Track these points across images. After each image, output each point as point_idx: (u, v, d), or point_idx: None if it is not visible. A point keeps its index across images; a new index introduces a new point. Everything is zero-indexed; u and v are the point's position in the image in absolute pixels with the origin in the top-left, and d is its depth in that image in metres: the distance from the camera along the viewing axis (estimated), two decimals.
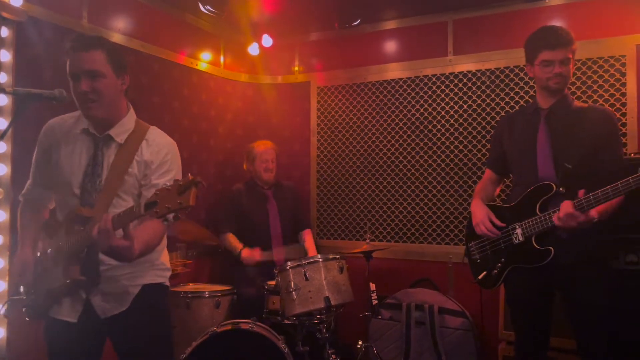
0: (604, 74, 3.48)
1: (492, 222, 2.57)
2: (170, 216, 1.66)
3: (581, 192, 2.24)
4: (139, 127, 2.10)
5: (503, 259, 2.57)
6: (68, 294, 1.96)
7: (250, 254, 3.72)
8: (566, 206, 2.26)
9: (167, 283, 2.22)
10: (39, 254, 2.05)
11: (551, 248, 2.38)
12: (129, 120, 2.10)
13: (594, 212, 2.23)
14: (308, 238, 4.03)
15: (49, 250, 2.01)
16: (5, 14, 2.72)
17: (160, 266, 2.18)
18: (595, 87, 3.50)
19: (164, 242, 2.20)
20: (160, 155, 2.06)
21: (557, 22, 3.63)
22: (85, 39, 2.04)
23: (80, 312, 1.99)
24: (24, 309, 2.06)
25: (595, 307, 2.37)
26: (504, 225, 2.55)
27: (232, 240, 3.84)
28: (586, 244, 2.38)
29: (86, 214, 1.88)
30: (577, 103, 2.55)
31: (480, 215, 2.63)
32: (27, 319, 2.07)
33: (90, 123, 2.06)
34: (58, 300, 1.99)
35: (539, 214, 2.42)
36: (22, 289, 2.06)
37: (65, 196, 2.06)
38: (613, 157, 2.41)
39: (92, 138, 2.06)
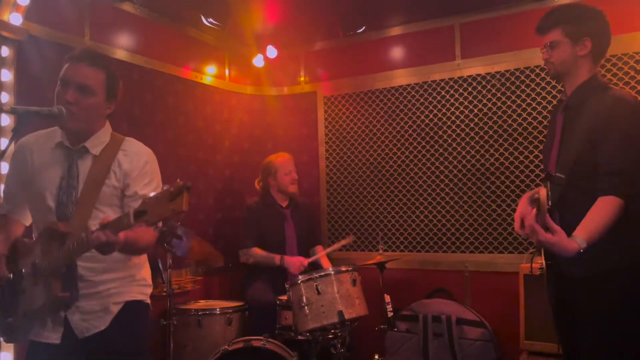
0: (617, 72, 3.38)
1: None
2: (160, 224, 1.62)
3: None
4: (114, 139, 2.08)
5: None
6: (49, 313, 1.89)
7: (295, 260, 3.64)
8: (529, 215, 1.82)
9: (148, 301, 2.15)
10: (11, 275, 1.95)
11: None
12: (105, 132, 2.08)
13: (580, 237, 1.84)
14: (321, 253, 3.91)
15: (23, 270, 1.93)
16: (5, 33, 2.71)
17: (142, 282, 2.11)
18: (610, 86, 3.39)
19: (144, 256, 2.15)
20: (139, 164, 2.03)
21: None
22: (93, 54, 2.03)
23: (61, 332, 1.92)
24: (1, 334, 1.99)
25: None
26: None
27: (262, 252, 3.72)
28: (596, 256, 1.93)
29: (63, 228, 1.82)
30: (610, 90, 2.09)
31: None
32: (4, 341, 2.00)
33: (64, 136, 2.03)
34: (41, 320, 1.91)
35: None
36: None
37: (40, 211, 2.01)
38: (610, 170, 1.93)
39: (66, 151, 2.03)
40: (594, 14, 2.15)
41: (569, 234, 1.84)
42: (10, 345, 2.61)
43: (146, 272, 2.16)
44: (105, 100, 2.01)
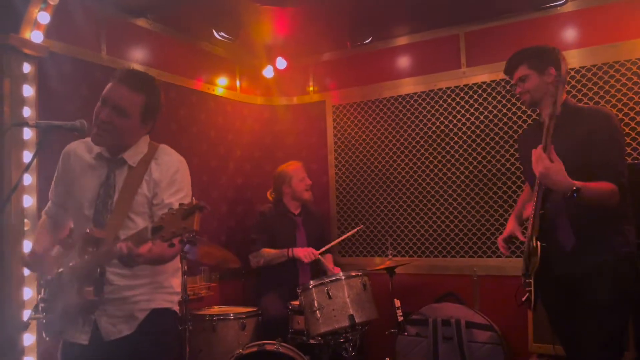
0: (621, 77, 3.44)
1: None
2: (176, 240, 1.67)
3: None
4: (151, 148, 2.13)
5: None
6: (79, 314, 1.97)
7: (305, 249, 3.72)
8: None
9: (175, 308, 2.18)
10: (60, 270, 2.05)
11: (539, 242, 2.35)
12: (143, 144, 2.13)
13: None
14: (330, 261, 3.98)
15: (61, 269, 2.03)
16: (27, 51, 2.83)
17: (169, 289, 2.14)
18: (613, 92, 3.45)
19: (176, 265, 2.20)
20: (169, 173, 2.07)
21: (570, 29, 3.63)
22: (136, 76, 2.06)
23: (89, 333, 1.99)
24: (43, 330, 2.07)
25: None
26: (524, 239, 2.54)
27: (270, 250, 3.79)
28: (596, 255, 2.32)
29: (97, 235, 1.89)
30: (579, 106, 2.55)
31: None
32: (46, 338, 2.08)
33: (103, 147, 2.10)
34: (73, 320, 1.99)
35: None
36: (40, 308, 2.07)
37: (78, 217, 2.10)
38: (602, 162, 2.28)
39: (105, 161, 2.10)
40: (549, 49, 2.53)
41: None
42: (34, 350, 2.72)
43: (175, 280, 2.19)
44: (140, 122, 2.05)
